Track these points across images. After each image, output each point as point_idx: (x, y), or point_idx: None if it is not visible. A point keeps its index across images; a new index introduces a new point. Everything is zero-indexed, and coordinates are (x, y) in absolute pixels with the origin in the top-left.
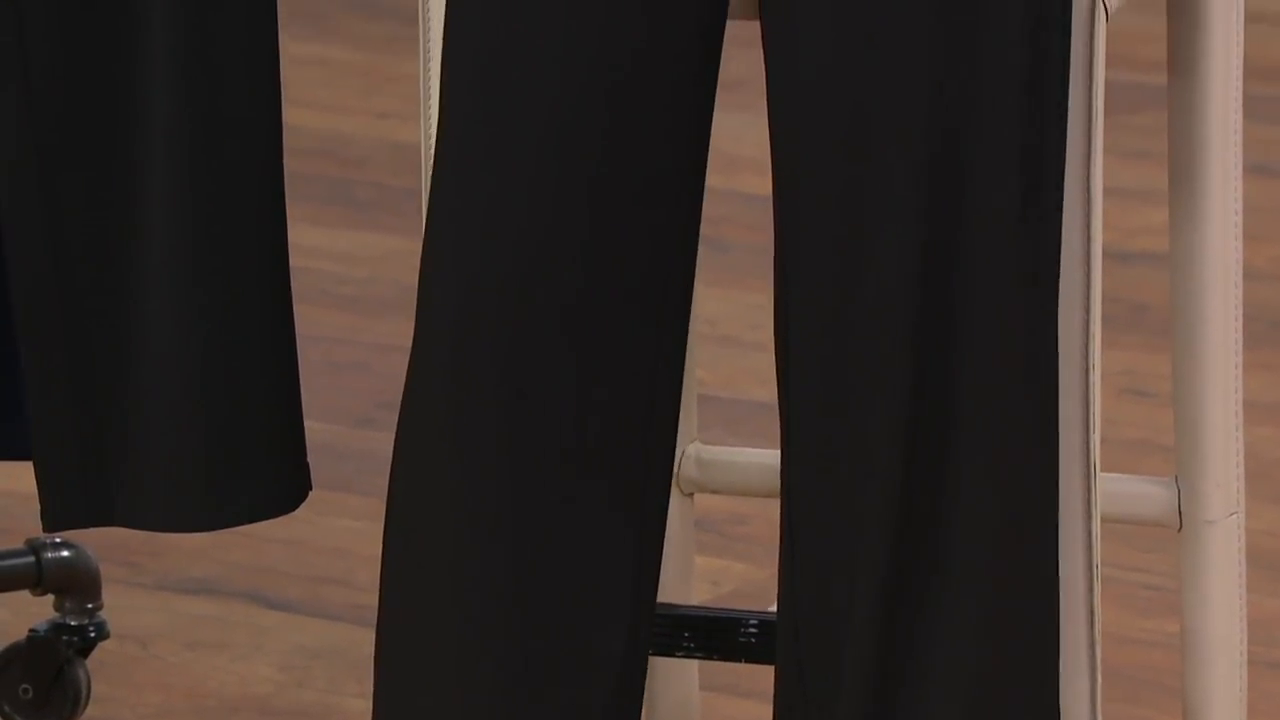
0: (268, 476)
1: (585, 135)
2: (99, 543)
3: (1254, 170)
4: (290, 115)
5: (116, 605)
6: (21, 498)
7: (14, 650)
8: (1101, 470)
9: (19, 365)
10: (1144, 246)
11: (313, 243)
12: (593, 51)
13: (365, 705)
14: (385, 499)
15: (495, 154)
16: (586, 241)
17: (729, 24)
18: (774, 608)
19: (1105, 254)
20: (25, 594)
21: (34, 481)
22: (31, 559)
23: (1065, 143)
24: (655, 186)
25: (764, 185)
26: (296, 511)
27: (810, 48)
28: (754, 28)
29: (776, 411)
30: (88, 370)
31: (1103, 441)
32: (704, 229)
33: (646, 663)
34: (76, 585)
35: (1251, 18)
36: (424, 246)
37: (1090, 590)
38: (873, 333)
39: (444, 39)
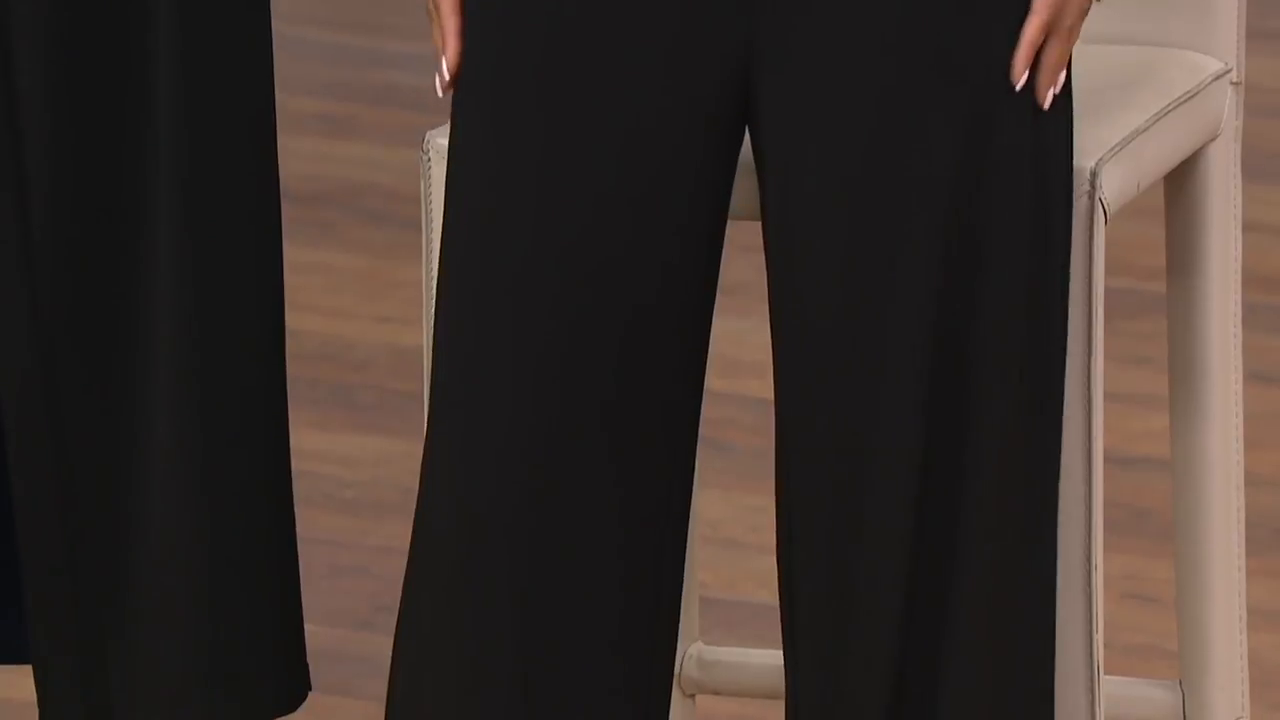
0: (267, 679)
1: (586, 346)
2: None
3: (1253, 377)
4: (293, 320)
5: None
6: (19, 705)
7: None
8: (1105, 674)
9: (19, 568)
10: (1145, 451)
11: (314, 446)
12: (593, 259)
13: None
14: (385, 702)
15: (496, 374)
16: (587, 450)
17: (729, 226)
18: None
19: (1106, 459)
20: None
21: (32, 687)
22: None
23: (1065, 351)
24: (656, 393)
25: (765, 389)
26: (295, 714)
27: (812, 252)
28: (754, 230)
29: (778, 614)
30: (87, 573)
31: (1105, 646)
32: (706, 431)
33: None
34: None
35: (1248, 226)
36: (424, 461)
37: None
38: (874, 536)
39: (440, 248)
